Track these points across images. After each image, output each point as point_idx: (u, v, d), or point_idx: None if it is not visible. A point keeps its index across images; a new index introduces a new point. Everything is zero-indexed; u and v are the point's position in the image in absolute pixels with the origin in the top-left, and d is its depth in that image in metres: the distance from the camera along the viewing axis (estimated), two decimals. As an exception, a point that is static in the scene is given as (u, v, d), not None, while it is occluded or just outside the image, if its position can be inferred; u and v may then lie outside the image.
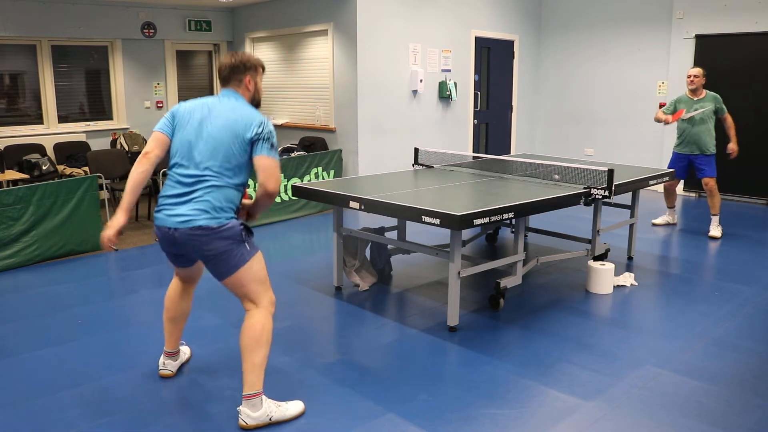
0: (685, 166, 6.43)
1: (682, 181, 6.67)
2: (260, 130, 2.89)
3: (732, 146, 6.31)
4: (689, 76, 6.30)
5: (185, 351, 3.56)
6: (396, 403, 3.06)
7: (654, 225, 6.72)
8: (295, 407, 3.02)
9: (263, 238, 6.16)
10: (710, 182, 6.33)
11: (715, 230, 6.31)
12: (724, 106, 6.29)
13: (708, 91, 6.34)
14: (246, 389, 2.88)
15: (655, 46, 8.74)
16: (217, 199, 2.84)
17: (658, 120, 6.46)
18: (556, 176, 4.39)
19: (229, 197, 2.87)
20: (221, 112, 2.95)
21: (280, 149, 8.02)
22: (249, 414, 2.88)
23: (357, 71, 7.62)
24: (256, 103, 3.10)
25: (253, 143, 2.89)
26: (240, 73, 3.04)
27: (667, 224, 6.77)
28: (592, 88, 9.50)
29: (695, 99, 6.30)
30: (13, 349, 3.68)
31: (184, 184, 2.89)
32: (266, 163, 2.87)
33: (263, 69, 3.14)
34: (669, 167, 6.45)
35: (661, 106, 8.78)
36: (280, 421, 2.93)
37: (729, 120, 6.30)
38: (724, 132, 6.35)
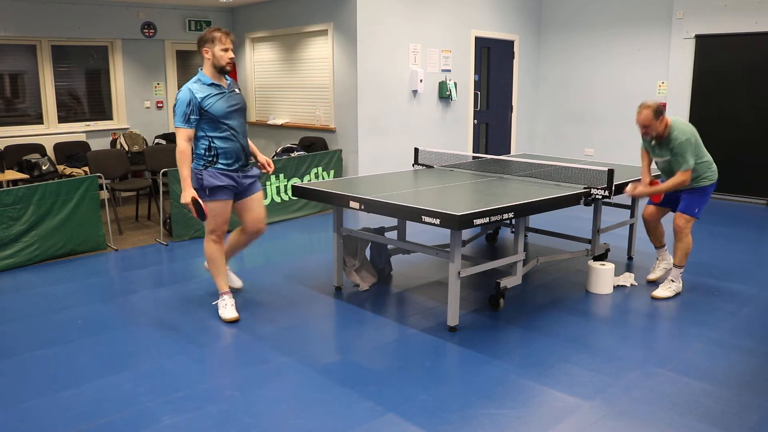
0: (670, 195, 4.55)
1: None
2: None
3: (634, 187, 4.47)
4: (637, 123, 4.28)
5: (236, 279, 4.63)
6: (396, 403, 3.06)
7: (650, 282, 4.79)
8: (227, 313, 4.04)
9: (264, 238, 6.14)
10: (679, 220, 4.42)
11: (664, 289, 4.47)
12: (687, 157, 4.19)
13: (677, 127, 4.26)
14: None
15: (655, 46, 8.74)
16: (195, 154, 3.90)
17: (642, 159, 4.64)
18: (629, 187, 4.42)
19: (195, 153, 3.91)
20: None
21: (279, 149, 8.08)
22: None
23: (357, 71, 7.62)
24: (218, 69, 3.81)
25: None
26: (199, 48, 3.84)
27: (664, 274, 4.79)
28: (592, 88, 9.50)
29: (654, 144, 4.43)
30: (13, 349, 3.68)
31: None
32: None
33: (219, 37, 3.77)
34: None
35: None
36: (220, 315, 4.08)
37: (678, 179, 4.26)
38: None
